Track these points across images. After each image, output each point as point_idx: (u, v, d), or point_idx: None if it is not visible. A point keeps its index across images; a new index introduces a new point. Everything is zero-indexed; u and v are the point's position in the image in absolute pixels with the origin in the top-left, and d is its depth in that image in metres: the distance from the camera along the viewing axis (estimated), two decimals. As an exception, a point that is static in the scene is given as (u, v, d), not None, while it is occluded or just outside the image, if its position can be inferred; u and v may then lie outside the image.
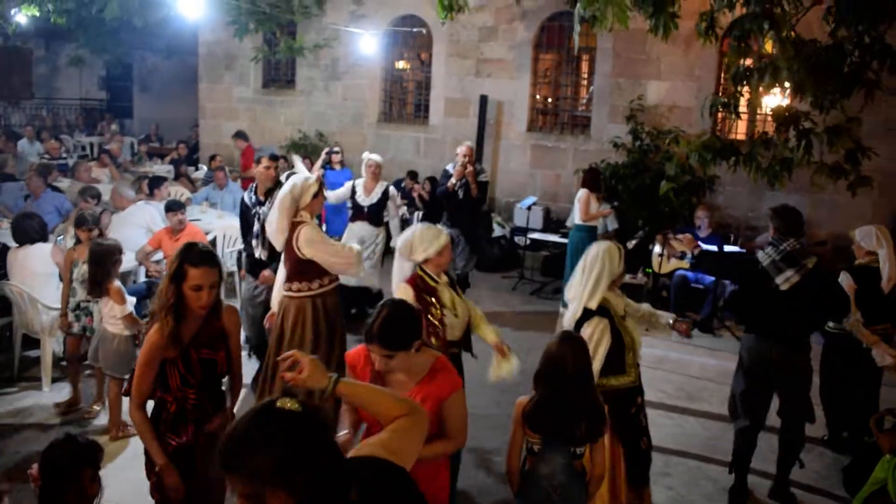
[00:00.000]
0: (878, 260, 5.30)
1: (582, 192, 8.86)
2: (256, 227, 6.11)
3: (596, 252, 4.09)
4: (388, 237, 8.14)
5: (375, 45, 12.51)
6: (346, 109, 13.69)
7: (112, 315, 5.37)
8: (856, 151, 4.55)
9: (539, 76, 12.33)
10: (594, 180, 8.94)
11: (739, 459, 4.94)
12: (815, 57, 4.29)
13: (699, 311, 8.66)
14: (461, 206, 8.57)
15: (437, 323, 4.10)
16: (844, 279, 5.30)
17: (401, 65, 13.63)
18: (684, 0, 5.48)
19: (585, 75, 12.13)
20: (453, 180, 8.43)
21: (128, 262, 7.26)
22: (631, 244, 10.27)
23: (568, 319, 4.10)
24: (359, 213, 8.14)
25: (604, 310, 4.00)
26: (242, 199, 6.44)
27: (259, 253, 6.14)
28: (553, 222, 11.56)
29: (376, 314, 2.99)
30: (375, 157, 8.20)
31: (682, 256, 8.93)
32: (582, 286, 4.04)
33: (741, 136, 10.39)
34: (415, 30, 12.79)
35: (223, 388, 3.58)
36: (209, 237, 8.07)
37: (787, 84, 4.42)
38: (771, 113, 4.99)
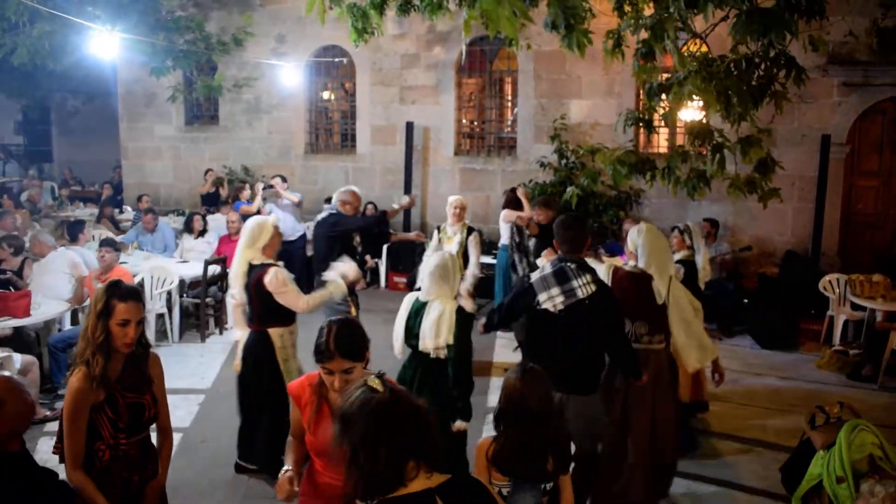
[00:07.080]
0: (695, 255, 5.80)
1: (504, 212, 8.93)
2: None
3: None
4: None
5: (298, 76, 12.47)
6: (272, 142, 13.58)
7: None
8: (766, 162, 4.69)
9: (463, 100, 12.44)
10: (515, 199, 9.05)
11: None
12: (722, 70, 4.42)
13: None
14: None
15: None
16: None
17: (325, 95, 13.58)
18: (600, 19, 5.58)
19: (509, 97, 12.29)
20: None
21: (53, 309, 7.06)
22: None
23: None
24: None
25: None
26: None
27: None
28: (485, 244, 11.58)
29: (327, 333, 2.92)
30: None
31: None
32: None
33: (664, 150, 10.64)
34: (336, 60, 12.79)
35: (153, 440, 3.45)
36: (136, 279, 7.86)
37: (694, 98, 4.53)
38: (685, 127, 5.13)
